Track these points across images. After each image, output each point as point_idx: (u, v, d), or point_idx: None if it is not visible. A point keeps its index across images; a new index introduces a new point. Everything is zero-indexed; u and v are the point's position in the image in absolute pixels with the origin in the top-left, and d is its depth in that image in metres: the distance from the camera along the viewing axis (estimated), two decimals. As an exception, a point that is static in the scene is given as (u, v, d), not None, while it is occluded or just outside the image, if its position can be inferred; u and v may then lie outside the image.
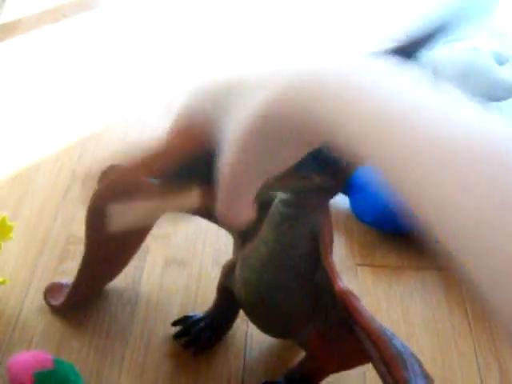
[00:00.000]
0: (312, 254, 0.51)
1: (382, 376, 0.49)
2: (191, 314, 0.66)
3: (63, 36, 1.09)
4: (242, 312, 0.64)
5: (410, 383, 0.47)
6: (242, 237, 0.58)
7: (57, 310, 0.67)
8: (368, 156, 0.30)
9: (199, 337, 0.64)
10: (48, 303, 0.67)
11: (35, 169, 0.84)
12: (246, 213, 0.37)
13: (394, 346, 0.49)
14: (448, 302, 0.71)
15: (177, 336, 0.65)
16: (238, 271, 0.56)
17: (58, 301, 0.66)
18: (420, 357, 0.52)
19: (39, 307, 0.68)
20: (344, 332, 0.52)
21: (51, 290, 0.68)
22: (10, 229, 0.64)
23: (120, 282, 0.70)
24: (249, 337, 0.66)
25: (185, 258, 0.73)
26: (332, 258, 0.51)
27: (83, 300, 0.68)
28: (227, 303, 0.63)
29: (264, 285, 0.53)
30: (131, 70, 1.03)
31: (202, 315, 0.65)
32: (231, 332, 0.66)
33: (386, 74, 0.32)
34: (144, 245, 0.72)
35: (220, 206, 0.37)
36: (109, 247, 0.60)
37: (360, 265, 0.73)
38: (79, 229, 0.76)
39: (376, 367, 0.50)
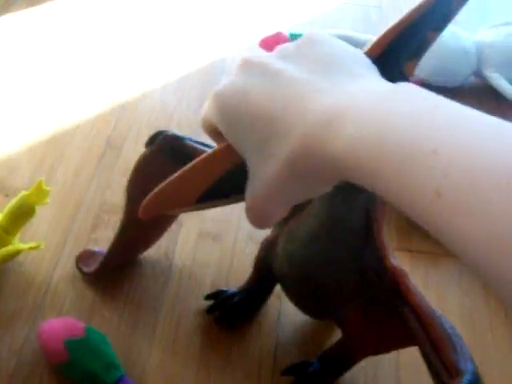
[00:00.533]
0: (363, 229, 0.50)
1: (427, 358, 0.48)
2: (224, 288, 0.65)
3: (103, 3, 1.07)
4: (275, 289, 0.63)
5: (459, 366, 0.46)
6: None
7: (88, 277, 0.66)
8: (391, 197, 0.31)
9: (232, 312, 0.63)
10: (80, 270, 0.67)
11: (70, 134, 0.83)
12: (274, 220, 0.39)
13: (443, 327, 0.48)
14: (485, 290, 0.69)
15: (210, 310, 0.64)
16: (281, 246, 0.55)
17: (90, 268, 0.66)
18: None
19: (71, 274, 0.67)
20: (387, 312, 0.51)
21: (83, 257, 0.67)
22: (47, 193, 0.63)
23: (153, 253, 0.69)
24: (282, 315, 0.65)
25: (219, 232, 0.72)
26: (384, 234, 0.49)
27: (116, 268, 0.67)
28: (263, 279, 0.62)
29: (311, 258, 0.52)
30: (169, 39, 1.02)
31: (235, 290, 0.64)
32: (264, 309, 0.65)
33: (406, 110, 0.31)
34: (178, 217, 0.71)
35: (249, 218, 0.39)
36: None
37: (397, 249, 0.72)
38: (113, 196, 0.75)
39: (422, 349, 0.49)
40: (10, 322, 0.62)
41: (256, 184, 0.38)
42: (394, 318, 0.51)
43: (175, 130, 0.84)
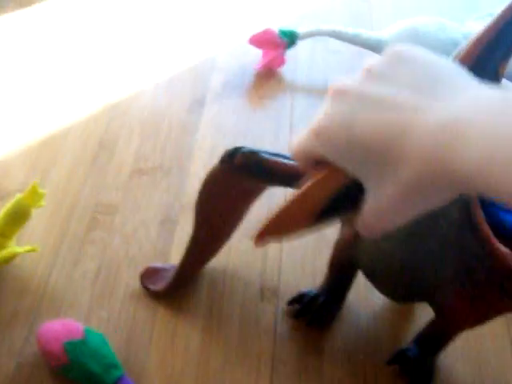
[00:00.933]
0: (461, 221, 0.50)
1: None
2: (305, 290, 0.66)
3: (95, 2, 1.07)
4: (274, 287, 0.63)
5: None
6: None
7: (157, 295, 0.66)
8: None
9: (320, 313, 0.64)
10: (146, 288, 0.66)
11: (63, 136, 0.83)
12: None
13: None
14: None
15: (299, 315, 0.65)
16: (370, 244, 0.55)
17: (157, 285, 0.66)
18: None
19: (68, 276, 0.67)
20: (486, 291, 0.52)
21: (147, 274, 0.67)
22: (42, 196, 0.63)
23: (149, 253, 0.70)
24: (279, 313, 0.65)
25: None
26: (484, 221, 0.50)
27: (187, 283, 0.67)
28: (341, 277, 0.62)
29: (408, 254, 0.52)
30: (159, 38, 1.02)
31: (316, 291, 0.65)
32: (261, 308, 0.65)
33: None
34: (173, 217, 0.72)
35: (363, 231, 0.39)
36: (217, 224, 0.61)
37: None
38: (107, 197, 0.75)
39: None
40: (8, 325, 0.63)
41: (374, 202, 0.37)
42: (495, 294, 0.51)
43: (166, 129, 0.84)
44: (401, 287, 0.56)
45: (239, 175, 0.55)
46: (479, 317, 0.55)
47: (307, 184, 0.40)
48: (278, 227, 0.41)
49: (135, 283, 0.67)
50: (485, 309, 0.54)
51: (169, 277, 0.65)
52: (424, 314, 0.65)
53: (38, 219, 0.72)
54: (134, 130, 0.85)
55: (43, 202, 0.63)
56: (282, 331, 0.64)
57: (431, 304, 0.57)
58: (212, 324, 0.64)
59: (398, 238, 0.52)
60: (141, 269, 0.68)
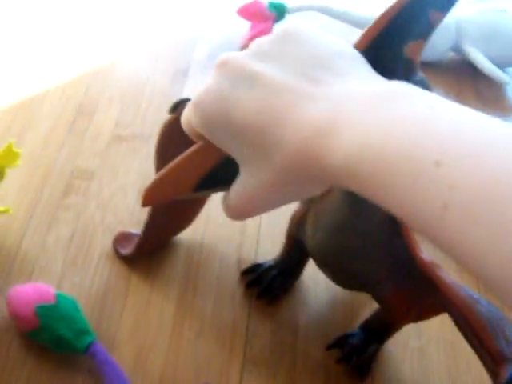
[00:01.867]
0: (388, 221, 0.49)
1: (471, 344, 0.48)
2: (261, 261, 0.64)
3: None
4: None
5: (503, 353, 0.45)
6: None
7: (124, 259, 0.65)
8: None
9: (273, 285, 0.62)
10: (116, 252, 0.65)
11: (41, 99, 0.81)
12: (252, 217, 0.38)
13: (482, 315, 0.47)
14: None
15: (249, 285, 0.64)
16: (310, 230, 0.54)
17: (126, 250, 0.65)
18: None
19: (40, 241, 0.66)
20: (425, 290, 0.51)
21: (119, 239, 0.66)
22: (17, 155, 0.61)
23: (126, 220, 0.68)
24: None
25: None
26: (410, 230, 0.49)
27: (153, 251, 0.66)
28: (297, 251, 0.61)
29: (338, 248, 0.52)
30: (143, 5, 0.99)
31: (272, 263, 0.64)
32: (238, 278, 0.64)
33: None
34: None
35: (228, 213, 0.39)
36: None
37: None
38: (84, 163, 0.73)
39: (464, 334, 0.49)
40: (-24, 288, 0.61)
41: (245, 185, 0.36)
42: (431, 291, 0.51)
43: (148, 97, 0.83)
44: (340, 277, 0.56)
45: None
46: (421, 312, 0.55)
47: (186, 153, 0.41)
48: (160, 191, 0.42)
49: (110, 250, 0.65)
50: (425, 305, 0.54)
51: (136, 243, 0.64)
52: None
53: (11, 182, 0.70)
54: (114, 96, 0.83)
55: (18, 162, 0.61)
56: (258, 305, 0.63)
57: (373, 296, 0.56)
58: (187, 295, 0.63)
59: (328, 229, 0.52)
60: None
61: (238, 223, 0.69)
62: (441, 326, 0.63)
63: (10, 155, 0.61)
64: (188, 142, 0.56)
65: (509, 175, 0.24)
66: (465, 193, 0.25)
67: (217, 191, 0.41)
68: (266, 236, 0.68)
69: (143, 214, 0.69)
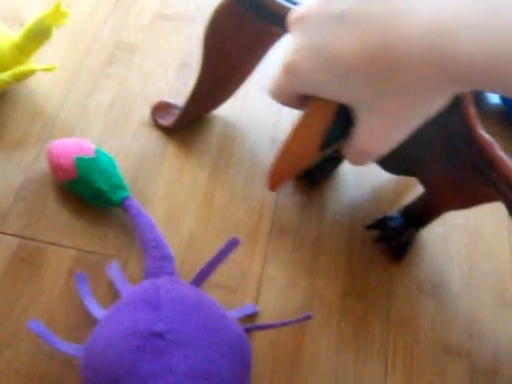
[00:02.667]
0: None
1: None
2: None
3: None
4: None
5: None
6: None
7: (165, 130, 0.66)
8: None
9: (315, 169, 0.63)
10: (155, 121, 0.67)
11: (88, -27, 0.82)
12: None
13: None
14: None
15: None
16: None
17: (166, 120, 0.66)
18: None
19: (82, 104, 0.67)
20: (473, 175, 0.52)
21: (158, 108, 0.67)
22: (64, 15, 0.62)
23: (165, 93, 0.69)
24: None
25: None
26: (472, 105, 0.49)
27: (191, 122, 0.67)
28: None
29: None
30: None
31: None
32: (271, 149, 0.66)
33: None
34: (192, 63, 0.71)
35: (361, 159, 0.39)
36: (225, 65, 0.60)
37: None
38: (128, 36, 0.74)
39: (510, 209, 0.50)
40: (18, 144, 0.63)
41: (373, 126, 0.36)
42: (481, 180, 0.51)
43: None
44: (390, 158, 0.56)
45: (240, 11, 0.53)
46: (465, 200, 0.56)
47: (300, 120, 0.40)
48: (287, 166, 0.42)
49: (148, 119, 0.67)
50: (470, 193, 0.55)
51: (178, 113, 0.65)
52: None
53: (57, 48, 0.71)
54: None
55: (65, 21, 0.62)
56: (287, 185, 0.64)
57: (420, 180, 0.57)
58: (220, 166, 0.64)
59: None
60: (155, 107, 0.68)
61: (274, 103, 0.70)
62: (465, 215, 0.64)
63: (58, 14, 0.62)
64: (236, 31, 0.56)
65: None
66: None
67: (339, 144, 0.41)
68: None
69: (183, 86, 0.70)
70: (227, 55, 0.60)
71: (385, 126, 0.35)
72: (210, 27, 0.57)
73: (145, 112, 0.67)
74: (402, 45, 0.31)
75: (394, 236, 0.60)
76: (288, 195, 0.63)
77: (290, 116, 0.69)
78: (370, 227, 0.61)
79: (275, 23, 0.52)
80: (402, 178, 0.66)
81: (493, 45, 0.29)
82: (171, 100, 0.68)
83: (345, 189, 0.65)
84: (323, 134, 0.40)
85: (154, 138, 0.66)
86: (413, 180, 0.66)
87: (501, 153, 0.50)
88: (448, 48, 0.30)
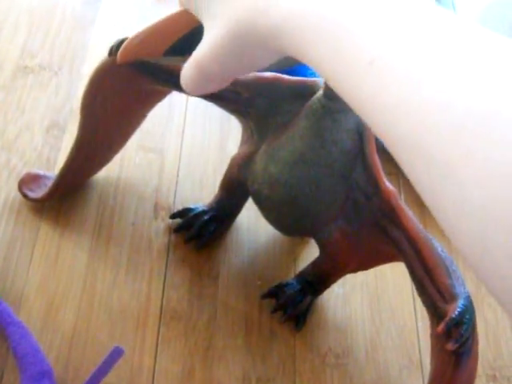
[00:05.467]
0: (352, 151, 0.48)
1: (419, 282, 0.48)
2: (192, 206, 0.61)
3: None
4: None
5: (453, 290, 0.46)
6: (259, 129, 0.53)
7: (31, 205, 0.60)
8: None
9: (202, 231, 0.59)
10: (24, 195, 0.60)
11: None
12: (207, 89, 0.38)
13: (437, 251, 0.47)
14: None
15: (178, 230, 0.60)
16: (260, 166, 0.51)
17: (35, 193, 0.60)
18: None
19: None
20: (372, 233, 0.50)
21: (27, 181, 0.61)
22: None
23: (33, 162, 0.63)
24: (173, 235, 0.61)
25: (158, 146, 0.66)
26: (376, 156, 0.48)
27: (67, 193, 0.61)
28: (233, 197, 0.59)
29: (295, 180, 0.49)
30: None
31: (204, 208, 0.60)
32: (154, 226, 0.61)
33: None
34: (61, 123, 0.65)
35: (184, 79, 0.38)
36: (105, 129, 0.57)
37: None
38: None
39: (413, 272, 0.48)
40: None
41: (202, 45, 0.36)
42: (380, 237, 0.50)
43: (58, 21, 0.76)
44: (287, 218, 0.53)
45: (129, 71, 0.51)
46: (362, 260, 0.54)
47: (164, 17, 0.43)
48: (136, 48, 0.45)
49: (16, 195, 0.60)
50: (368, 251, 0.53)
51: (49, 184, 0.60)
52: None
53: None
54: (20, 20, 0.76)
55: None
56: (176, 253, 0.60)
57: (316, 240, 0.54)
58: (100, 244, 0.59)
59: (286, 161, 0.49)
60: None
61: (155, 163, 0.65)
62: (364, 274, 0.61)
63: None
64: (119, 92, 0.52)
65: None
66: (391, 53, 0.26)
67: (182, 60, 0.40)
68: (185, 179, 0.64)
69: (52, 155, 0.64)
70: (108, 118, 0.56)
71: (207, 51, 0.36)
72: (90, 90, 0.53)
73: (11, 188, 0.61)
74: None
75: (291, 304, 0.57)
76: (176, 270, 0.59)
77: (173, 178, 0.64)
78: (265, 297, 0.58)
79: (170, 82, 0.51)
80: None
81: (306, 9, 0.29)
82: (40, 171, 0.61)
83: (237, 254, 0.61)
84: (174, 39, 0.43)
85: (23, 219, 0.59)
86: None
87: (404, 206, 0.49)
88: (267, 4, 0.31)
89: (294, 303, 0.57)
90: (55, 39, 0.74)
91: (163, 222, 0.61)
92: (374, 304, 0.60)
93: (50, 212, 0.60)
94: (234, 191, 0.58)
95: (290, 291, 0.57)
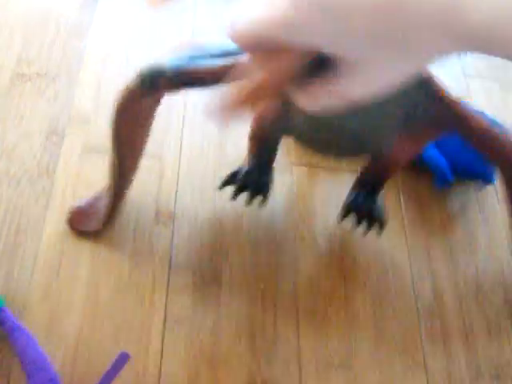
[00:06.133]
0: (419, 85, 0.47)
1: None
2: (235, 168, 0.62)
3: None
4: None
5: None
6: None
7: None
8: None
9: (258, 186, 0.62)
10: (78, 232, 0.60)
11: None
12: None
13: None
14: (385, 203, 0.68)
15: (237, 194, 0.62)
16: (305, 118, 0.50)
17: (91, 225, 0.60)
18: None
19: None
20: (425, 130, 0.51)
21: (76, 219, 0.60)
22: None
23: (32, 170, 0.63)
24: (175, 236, 0.61)
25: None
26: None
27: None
28: (266, 149, 0.60)
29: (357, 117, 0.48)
30: None
31: (247, 167, 0.61)
32: (157, 229, 0.61)
33: None
34: (60, 130, 0.65)
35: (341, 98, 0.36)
36: (134, 145, 0.57)
37: (296, 165, 0.69)
38: None
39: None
40: None
41: (358, 68, 0.33)
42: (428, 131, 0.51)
43: (54, 28, 0.76)
44: (342, 148, 0.53)
45: (158, 95, 0.51)
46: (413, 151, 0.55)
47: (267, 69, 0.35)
48: (250, 97, 0.36)
49: (16, 204, 0.60)
50: (418, 141, 0.54)
51: (98, 212, 0.59)
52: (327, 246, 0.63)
53: None
54: (15, 28, 0.75)
55: None
56: (178, 258, 0.60)
57: (373, 155, 0.56)
58: (101, 249, 0.59)
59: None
60: (23, 187, 0.61)
61: (155, 168, 0.65)
62: (367, 275, 0.61)
63: None
64: (143, 111, 0.52)
65: None
66: None
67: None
68: (185, 185, 0.64)
69: (52, 163, 0.64)
70: (135, 135, 0.56)
71: (368, 75, 0.34)
72: (118, 121, 0.52)
73: (12, 196, 0.61)
74: (413, 3, 0.30)
75: (369, 208, 0.61)
76: (179, 274, 0.59)
77: (173, 185, 0.64)
78: (343, 216, 0.62)
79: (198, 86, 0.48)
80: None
81: (506, 9, 0.28)
82: (81, 201, 0.61)
83: (239, 257, 0.61)
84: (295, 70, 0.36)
85: (25, 226, 0.59)
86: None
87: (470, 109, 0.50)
88: (459, 9, 0.29)
89: (370, 208, 0.61)
90: (51, 47, 0.74)
91: (165, 227, 0.61)
92: (376, 305, 0.60)
93: (51, 220, 0.60)
94: (267, 145, 0.59)
95: (359, 200, 0.61)
